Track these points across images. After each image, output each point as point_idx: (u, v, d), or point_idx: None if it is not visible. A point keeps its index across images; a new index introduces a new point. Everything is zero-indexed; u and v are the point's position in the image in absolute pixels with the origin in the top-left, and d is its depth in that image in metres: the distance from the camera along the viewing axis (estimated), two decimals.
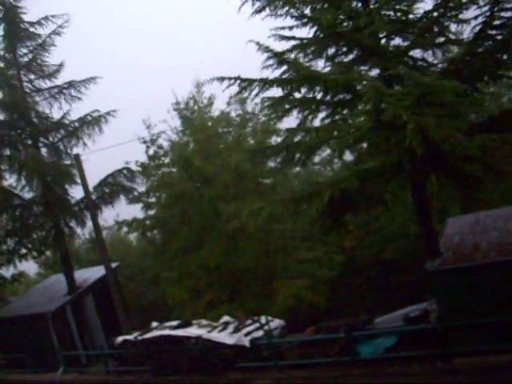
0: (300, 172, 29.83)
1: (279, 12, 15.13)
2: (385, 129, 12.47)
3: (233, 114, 29.46)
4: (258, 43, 14.82)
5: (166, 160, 29.38)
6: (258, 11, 15.17)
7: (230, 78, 15.26)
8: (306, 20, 14.97)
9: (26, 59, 24.21)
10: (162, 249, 29.55)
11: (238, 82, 15.22)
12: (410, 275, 22.43)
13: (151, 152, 29.26)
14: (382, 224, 24.92)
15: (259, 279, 26.63)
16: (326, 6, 15.07)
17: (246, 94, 15.63)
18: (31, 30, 24.07)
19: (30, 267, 37.09)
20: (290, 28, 15.18)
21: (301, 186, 27.11)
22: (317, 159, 28.91)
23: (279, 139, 16.88)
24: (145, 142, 28.93)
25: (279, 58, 14.97)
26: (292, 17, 15.11)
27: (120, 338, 18.87)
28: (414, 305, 15.45)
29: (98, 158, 23.70)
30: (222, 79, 15.35)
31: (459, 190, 14.38)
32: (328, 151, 27.33)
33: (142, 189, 27.42)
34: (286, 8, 15.05)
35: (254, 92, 15.23)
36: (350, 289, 26.57)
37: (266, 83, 15.02)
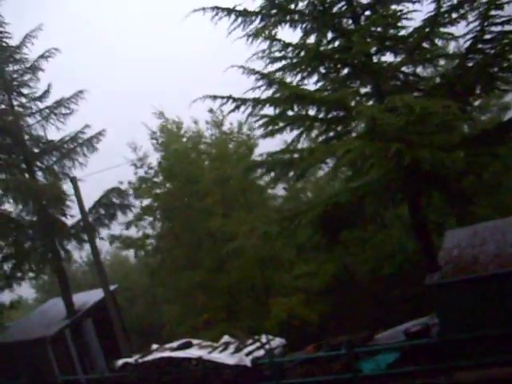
0: (289, 187, 29.78)
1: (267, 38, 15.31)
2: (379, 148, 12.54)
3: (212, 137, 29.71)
4: (242, 67, 14.92)
5: (158, 179, 29.31)
6: (249, 36, 15.33)
7: (222, 97, 15.35)
8: (291, 48, 15.14)
9: (15, 83, 24.36)
10: (156, 268, 29.49)
11: (232, 100, 15.31)
12: (410, 290, 22.38)
13: (141, 173, 29.14)
14: (378, 240, 24.91)
15: (254, 296, 26.61)
16: (315, 25, 15.24)
17: (240, 112, 15.68)
18: (17, 52, 24.28)
19: (27, 293, 37.00)
20: (280, 51, 15.35)
21: (291, 201, 27.23)
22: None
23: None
24: (134, 164, 28.79)
25: (268, 79, 15.08)
26: (278, 41, 15.28)
27: (120, 362, 18.72)
28: (415, 320, 15.41)
29: (87, 180, 23.76)
30: (214, 97, 15.42)
31: (452, 205, 14.46)
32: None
33: (136, 209, 27.34)
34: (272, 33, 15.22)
35: (248, 111, 15.32)
36: (349, 304, 26.47)
37: (258, 102, 15.11)
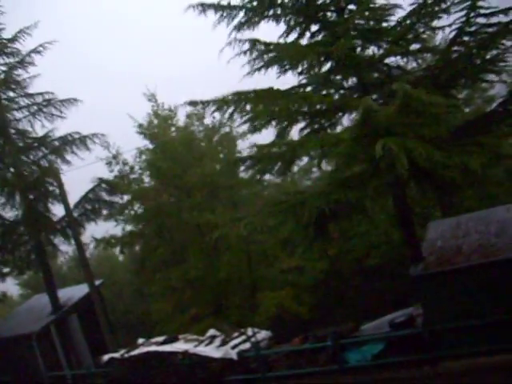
0: (277, 181, 29.68)
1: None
2: (368, 139, 12.56)
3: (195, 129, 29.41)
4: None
5: (134, 176, 28.72)
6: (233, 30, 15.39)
7: (203, 102, 15.42)
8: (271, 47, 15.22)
9: (3, 76, 24.06)
10: (142, 264, 29.30)
11: (212, 103, 15.34)
12: (395, 281, 22.51)
13: (116, 171, 28.21)
14: (363, 230, 25.00)
15: (242, 291, 26.58)
16: (298, 19, 15.25)
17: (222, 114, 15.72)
18: (9, 45, 23.98)
19: (11, 289, 36.74)
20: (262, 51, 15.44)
21: (278, 195, 27.15)
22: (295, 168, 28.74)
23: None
24: (108, 163, 27.94)
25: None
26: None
27: (106, 356, 18.66)
28: (400, 310, 15.50)
29: (75, 175, 23.74)
30: (195, 103, 15.50)
31: (438, 196, 14.54)
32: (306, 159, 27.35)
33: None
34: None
35: (230, 110, 15.32)
36: (335, 296, 26.58)
37: (241, 101, 15.09)
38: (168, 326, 25.85)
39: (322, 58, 15.28)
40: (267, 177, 23.18)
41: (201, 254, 26.05)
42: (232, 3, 15.45)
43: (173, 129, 28.70)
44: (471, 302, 12.49)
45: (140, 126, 28.07)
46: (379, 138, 11.96)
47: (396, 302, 18.19)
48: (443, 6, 14.15)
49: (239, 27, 15.34)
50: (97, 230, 27.05)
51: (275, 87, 15.12)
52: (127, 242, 28.66)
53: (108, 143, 27.70)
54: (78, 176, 23.67)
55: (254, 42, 15.34)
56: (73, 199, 23.49)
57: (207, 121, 28.59)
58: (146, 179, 28.75)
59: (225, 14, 15.45)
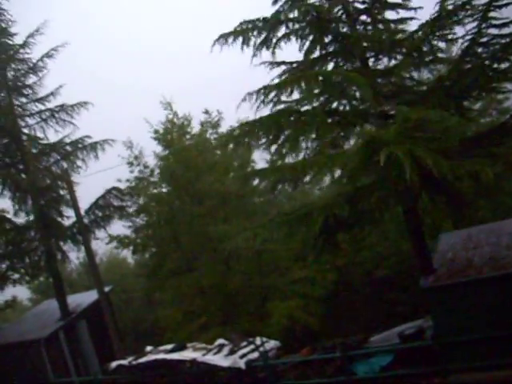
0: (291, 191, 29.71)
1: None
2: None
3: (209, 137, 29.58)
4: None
5: (154, 179, 29.09)
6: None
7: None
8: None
9: (18, 83, 24.21)
10: (154, 270, 29.35)
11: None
12: (405, 292, 22.38)
13: (136, 172, 28.80)
14: (373, 241, 24.92)
15: (253, 300, 26.50)
16: (311, 30, 15.28)
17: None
18: (21, 51, 24.16)
19: (21, 293, 36.84)
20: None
21: (292, 205, 27.10)
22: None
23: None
24: (129, 163, 28.57)
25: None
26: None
27: (114, 363, 18.66)
28: (409, 322, 15.40)
29: (89, 181, 23.82)
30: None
31: (450, 207, 14.44)
32: None
33: (132, 208, 27.15)
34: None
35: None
36: (345, 307, 26.46)
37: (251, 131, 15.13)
38: (177, 334, 25.81)
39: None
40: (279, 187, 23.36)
41: (213, 263, 26.04)
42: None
43: (188, 136, 28.99)
44: (482, 314, 12.40)
45: (156, 131, 28.37)
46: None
47: (406, 314, 18.10)
48: (455, 18, 14.11)
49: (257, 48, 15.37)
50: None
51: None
52: (141, 244, 28.73)
53: (131, 143, 28.16)
54: (95, 181, 23.83)
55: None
56: (87, 203, 23.87)
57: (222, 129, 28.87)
58: (164, 184, 28.97)
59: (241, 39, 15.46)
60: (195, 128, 29.40)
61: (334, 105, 15.66)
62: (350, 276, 27.12)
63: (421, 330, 14.12)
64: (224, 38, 15.32)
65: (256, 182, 17.02)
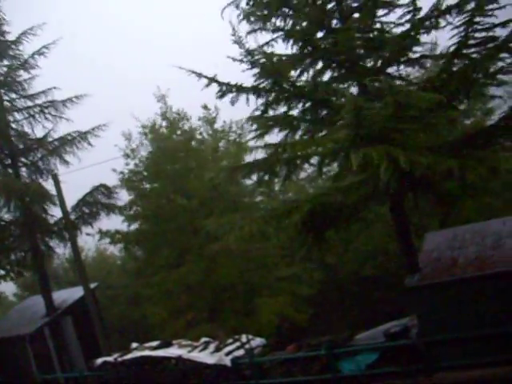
0: (285, 189, 29.64)
1: (257, 26, 15.26)
2: (363, 143, 12.56)
3: (204, 134, 29.52)
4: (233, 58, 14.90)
5: (146, 173, 28.99)
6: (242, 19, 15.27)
7: (207, 77, 15.14)
8: (281, 33, 15.12)
9: (8, 78, 24.03)
10: (143, 266, 29.24)
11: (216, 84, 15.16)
12: (391, 291, 22.49)
13: (132, 165, 28.77)
14: (361, 241, 25.02)
15: (240, 297, 26.50)
16: (305, 23, 15.25)
17: (225, 98, 15.49)
18: (12, 47, 23.97)
19: (7, 288, 36.60)
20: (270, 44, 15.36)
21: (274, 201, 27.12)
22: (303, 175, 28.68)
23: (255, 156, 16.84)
24: (126, 155, 28.49)
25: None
26: (269, 30, 15.26)
27: (99, 360, 18.61)
28: (395, 321, 15.47)
29: (83, 175, 23.68)
30: (199, 75, 15.22)
31: (437, 207, 14.52)
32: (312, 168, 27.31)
33: (122, 203, 26.93)
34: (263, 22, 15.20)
35: (231, 95, 15.19)
36: (332, 305, 26.57)
37: (242, 90, 15.03)
38: (163, 331, 25.76)
39: (324, 64, 15.30)
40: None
41: (199, 259, 25.98)
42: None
43: (178, 132, 28.78)
44: (466, 313, 12.47)
45: (144, 126, 28.21)
46: (375, 144, 11.95)
47: (392, 313, 18.18)
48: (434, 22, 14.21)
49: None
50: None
51: None
52: (133, 240, 28.55)
53: (130, 135, 27.94)
54: (91, 171, 23.67)
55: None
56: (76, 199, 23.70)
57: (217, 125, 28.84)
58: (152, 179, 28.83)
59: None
60: (191, 123, 29.30)
61: None
62: (338, 275, 27.22)
63: (406, 328, 14.17)
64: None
65: (243, 174, 16.90)
